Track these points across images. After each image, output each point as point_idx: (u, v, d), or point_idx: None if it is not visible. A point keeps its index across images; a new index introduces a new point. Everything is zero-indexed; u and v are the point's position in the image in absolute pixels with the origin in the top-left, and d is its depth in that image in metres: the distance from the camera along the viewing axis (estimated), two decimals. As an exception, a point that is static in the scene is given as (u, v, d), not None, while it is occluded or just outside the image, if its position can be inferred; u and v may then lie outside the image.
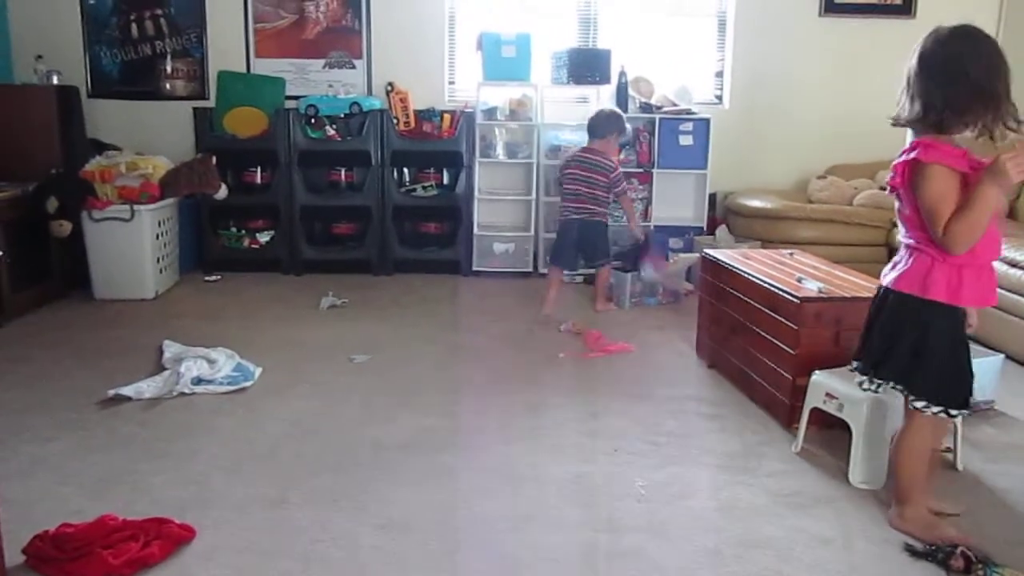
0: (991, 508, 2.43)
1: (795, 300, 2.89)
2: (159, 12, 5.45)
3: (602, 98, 5.32)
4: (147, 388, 3.16)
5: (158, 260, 4.69)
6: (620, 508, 2.38)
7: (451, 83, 5.63)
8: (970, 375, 2.16)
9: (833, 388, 2.63)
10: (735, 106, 5.67)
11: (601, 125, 4.50)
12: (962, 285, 2.07)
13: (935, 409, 2.15)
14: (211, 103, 5.42)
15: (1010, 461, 2.74)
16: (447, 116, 5.35)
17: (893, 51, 5.52)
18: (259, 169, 5.35)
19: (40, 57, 5.05)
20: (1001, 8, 5.53)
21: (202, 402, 3.13)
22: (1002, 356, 3.24)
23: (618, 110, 4.72)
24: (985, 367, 3.15)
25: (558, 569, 2.08)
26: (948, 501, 2.37)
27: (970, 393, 2.17)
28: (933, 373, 2.13)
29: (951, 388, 2.15)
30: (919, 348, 2.13)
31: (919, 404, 2.16)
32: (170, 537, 2.12)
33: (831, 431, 2.75)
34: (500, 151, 5.45)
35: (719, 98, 5.77)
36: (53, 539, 2.06)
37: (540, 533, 2.23)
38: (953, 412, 2.17)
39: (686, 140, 5.33)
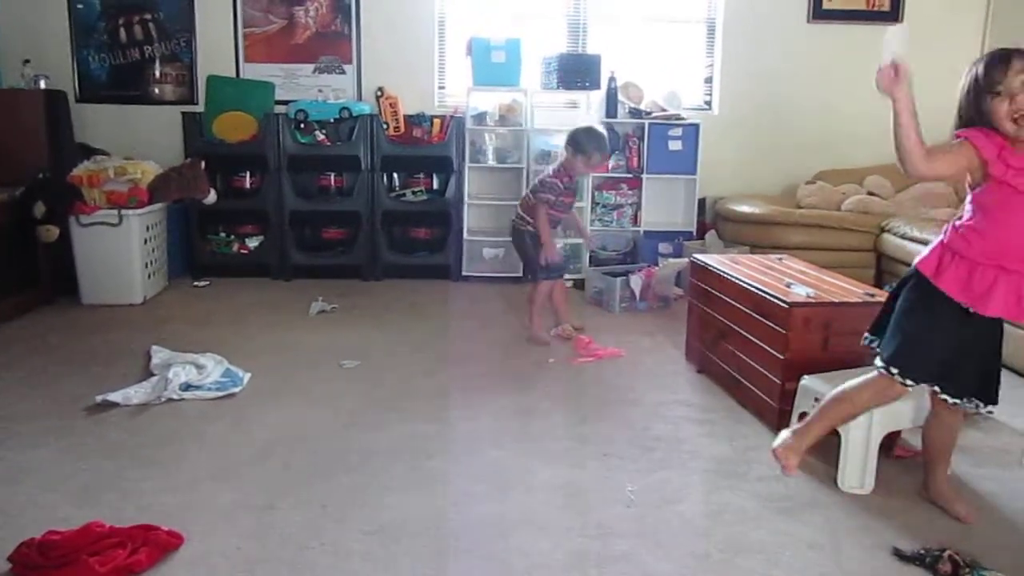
0: (979, 512, 2.43)
1: (784, 305, 2.90)
2: (148, 16, 5.44)
3: (592, 103, 5.34)
4: (135, 394, 3.14)
5: (146, 265, 4.67)
6: (610, 513, 2.38)
7: (441, 88, 5.63)
8: (924, 350, 2.18)
9: (822, 393, 2.64)
10: (724, 111, 5.69)
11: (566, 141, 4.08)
12: (946, 269, 2.14)
13: (879, 364, 2.23)
14: (200, 108, 5.41)
15: (997, 465, 2.75)
16: (437, 121, 5.36)
17: (881, 57, 5.60)
18: (248, 174, 5.35)
19: (28, 61, 5.03)
20: (987, 15, 5.57)
21: (190, 408, 3.11)
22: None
23: (588, 129, 4.06)
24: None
25: (548, 574, 2.08)
26: (961, 504, 2.39)
27: (921, 367, 2.19)
28: (890, 328, 2.25)
29: (897, 347, 2.19)
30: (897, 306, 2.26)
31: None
32: (157, 544, 2.10)
33: (820, 436, 2.76)
34: (490, 156, 5.45)
35: (708, 103, 5.79)
36: (39, 546, 2.05)
37: (530, 538, 2.23)
38: (892, 371, 2.19)
39: (675, 145, 5.35)
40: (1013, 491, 2.57)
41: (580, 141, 3.97)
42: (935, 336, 2.18)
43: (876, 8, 5.59)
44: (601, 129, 4.07)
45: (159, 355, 3.58)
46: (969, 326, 2.16)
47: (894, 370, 2.19)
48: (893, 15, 5.57)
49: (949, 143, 2.09)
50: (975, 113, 2.08)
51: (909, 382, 2.19)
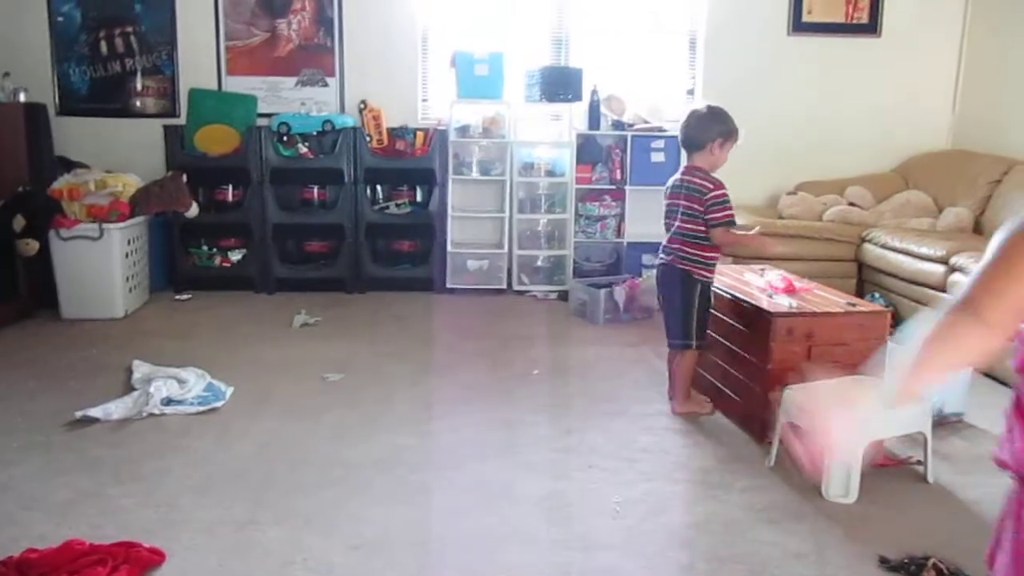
0: (962, 519, 2.45)
1: (767, 315, 2.91)
2: (129, 29, 5.41)
3: (575, 116, 5.36)
4: (116, 409, 3.11)
5: (127, 279, 4.63)
6: (595, 525, 2.37)
7: (424, 101, 5.63)
8: None
9: (805, 403, 2.65)
10: (706, 123, 5.71)
11: (695, 133, 3.27)
12: None
13: None
14: (182, 121, 5.38)
15: (979, 472, 2.77)
16: (420, 134, 5.36)
17: (860, 69, 5.65)
18: (231, 187, 5.32)
19: (7, 74, 4.98)
20: (963, 28, 5.64)
21: (172, 423, 3.08)
22: (970, 369, 3.28)
23: (716, 107, 3.31)
24: (954, 380, 3.19)
25: (533, 587, 2.07)
26: None
27: None
28: None
29: None
30: None
31: None
32: (139, 561, 2.08)
33: (804, 445, 2.77)
34: (473, 169, 5.45)
35: (690, 116, 5.82)
36: (17, 564, 2.02)
37: (515, 551, 2.22)
38: None
39: (658, 157, 5.37)
40: (996, 498, 2.57)
41: (718, 127, 3.23)
42: None
43: (855, 21, 5.65)
44: (707, 106, 3.36)
45: (140, 369, 3.54)
46: None
47: None
48: (872, 28, 5.63)
49: None
50: None
51: None
